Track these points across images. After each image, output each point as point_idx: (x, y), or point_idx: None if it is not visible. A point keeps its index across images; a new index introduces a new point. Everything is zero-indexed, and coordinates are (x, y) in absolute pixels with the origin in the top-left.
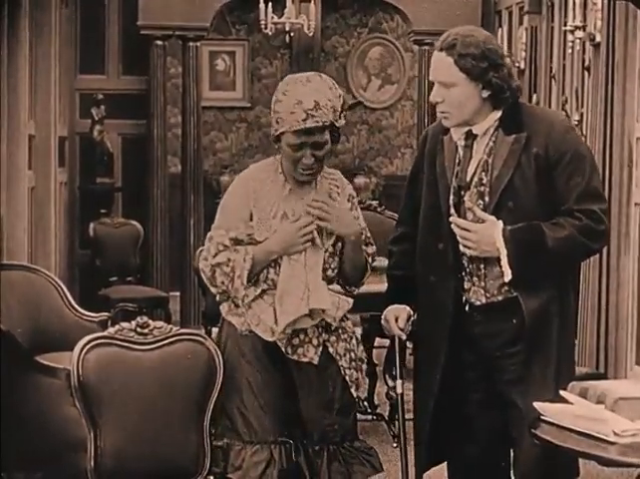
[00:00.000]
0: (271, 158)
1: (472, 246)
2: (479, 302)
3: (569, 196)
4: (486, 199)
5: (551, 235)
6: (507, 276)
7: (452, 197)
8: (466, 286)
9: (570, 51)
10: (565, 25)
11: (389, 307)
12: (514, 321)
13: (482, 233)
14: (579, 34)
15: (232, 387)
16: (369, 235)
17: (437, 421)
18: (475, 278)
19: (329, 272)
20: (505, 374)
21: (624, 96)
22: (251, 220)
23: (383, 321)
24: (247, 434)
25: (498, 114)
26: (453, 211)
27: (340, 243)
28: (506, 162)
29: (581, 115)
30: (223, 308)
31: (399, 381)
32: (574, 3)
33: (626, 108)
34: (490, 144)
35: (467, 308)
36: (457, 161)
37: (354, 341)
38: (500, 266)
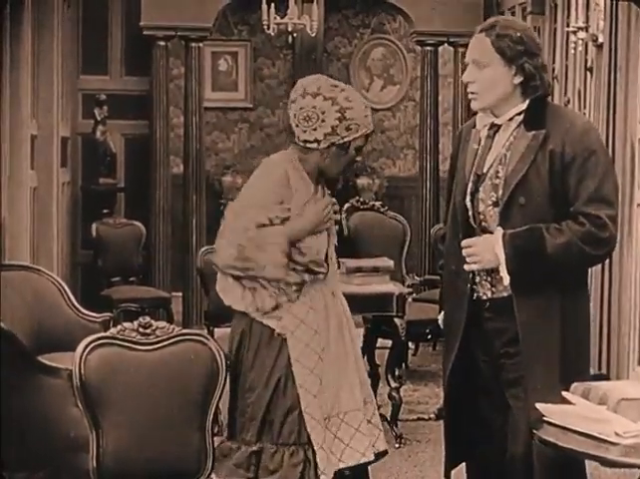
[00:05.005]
0: (285, 153)
1: (476, 260)
2: (485, 296)
3: (578, 198)
4: (500, 192)
5: (551, 240)
6: (506, 281)
7: (470, 185)
8: (476, 279)
9: (573, 52)
10: (568, 26)
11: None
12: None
13: (484, 243)
14: (582, 35)
15: (267, 391)
16: None
17: (452, 415)
18: (482, 272)
19: (334, 259)
20: (506, 374)
21: (627, 97)
22: (281, 203)
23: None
24: (282, 436)
25: (523, 106)
26: (468, 199)
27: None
28: (523, 157)
29: (584, 116)
30: (253, 312)
31: None
32: (577, 4)
33: (629, 109)
34: (511, 138)
35: (475, 301)
36: (478, 151)
37: None
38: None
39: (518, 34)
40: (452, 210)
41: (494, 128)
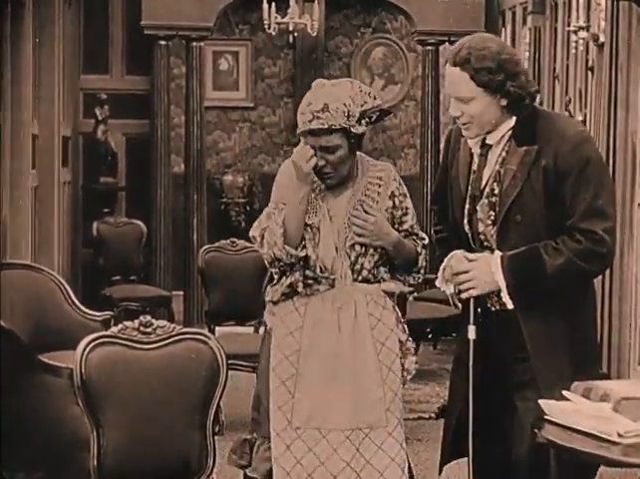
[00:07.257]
0: None
1: (472, 285)
2: (493, 309)
3: (574, 212)
4: (497, 210)
5: (550, 262)
6: (509, 305)
7: (467, 205)
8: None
9: (574, 51)
10: (569, 25)
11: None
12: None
13: (480, 266)
14: (583, 34)
15: (261, 384)
16: (416, 225)
17: (454, 417)
18: None
19: (364, 273)
20: (515, 377)
21: (628, 96)
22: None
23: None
24: (266, 430)
25: (512, 123)
26: (466, 221)
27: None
28: (516, 174)
29: (585, 115)
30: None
31: (472, 327)
32: (578, 3)
33: (630, 108)
34: (503, 154)
35: (481, 311)
36: (471, 168)
37: None
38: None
39: (496, 62)
40: (452, 225)
41: (486, 147)
